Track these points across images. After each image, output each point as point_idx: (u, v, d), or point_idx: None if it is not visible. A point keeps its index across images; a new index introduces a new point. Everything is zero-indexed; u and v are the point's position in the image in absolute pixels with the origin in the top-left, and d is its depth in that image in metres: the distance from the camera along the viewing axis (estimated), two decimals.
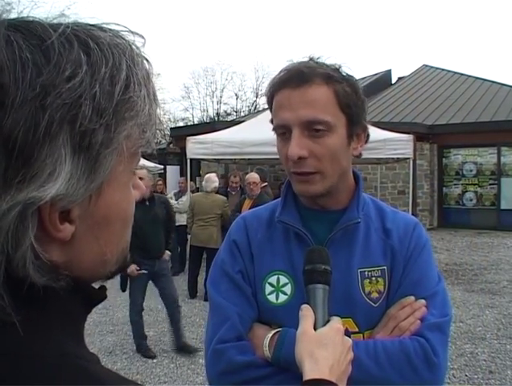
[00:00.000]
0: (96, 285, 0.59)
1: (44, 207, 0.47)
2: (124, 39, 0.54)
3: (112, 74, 0.50)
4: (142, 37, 0.56)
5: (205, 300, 6.32)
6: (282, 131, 1.09)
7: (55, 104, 0.45)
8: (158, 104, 0.57)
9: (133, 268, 4.75)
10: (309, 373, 0.85)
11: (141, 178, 4.63)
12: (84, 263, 0.54)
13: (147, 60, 0.56)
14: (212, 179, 7.21)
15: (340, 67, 1.10)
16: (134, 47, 0.54)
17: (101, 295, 0.58)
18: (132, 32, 0.55)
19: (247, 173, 8.28)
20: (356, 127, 1.11)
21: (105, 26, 0.53)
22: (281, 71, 1.10)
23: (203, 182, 7.52)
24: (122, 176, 0.54)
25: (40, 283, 0.48)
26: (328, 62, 1.10)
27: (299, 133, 1.05)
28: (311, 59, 1.11)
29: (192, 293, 7.10)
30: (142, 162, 14.37)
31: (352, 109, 1.08)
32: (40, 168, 0.45)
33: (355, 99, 1.08)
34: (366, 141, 1.16)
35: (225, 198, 7.40)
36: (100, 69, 0.49)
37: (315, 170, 1.07)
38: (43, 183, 0.46)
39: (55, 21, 0.51)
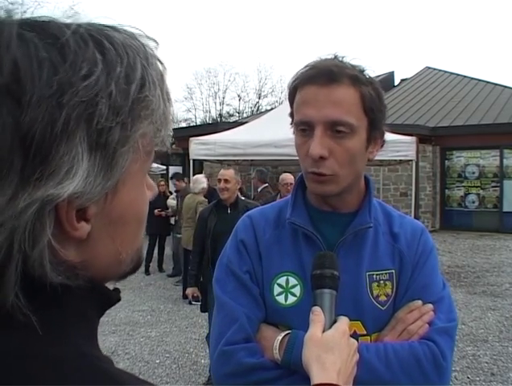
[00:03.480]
0: (110, 287, 0.58)
1: (62, 205, 0.47)
2: (138, 40, 0.54)
3: (127, 73, 0.50)
4: (156, 41, 0.57)
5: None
6: (304, 127, 1.07)
7: (72, 102, 0.45)
8: (172, 105, 0.58)
9: (190, 292, 4.55)
10: (317, 378, 0.84)
11: (226, 180, 4.15)
12: (99, 262, 0.53)
13: (161, 62, 0.56)
14: (199, 180, 7.03)
15: (364, 69, 1.08)
16: (147, 48, 0.55)
17: (115, 296, 0.59)
18: (146, 36, 0.56)
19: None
20: (375, 131, 1.10)
21: (118, 27, 0.54)
22: (307, 66, 1.08)
23: (191, 184, 7.33)
24: (137, 175, 0.55)
25: (56, 282, 0.48)
26: (352, 63, 1.08)
27: (321, 132, 1.04)
28: (335, 57, 1.09)
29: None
30: None
31: (374, 113, 1.07)
32: (58, 165, 0.45)
33: (378, 103, 1.07)
34: (382, 146, 1.15)
35: (202, 198, 6.99)
36: (115, 68, 0.49)
37: (332, 173, 1.06)
38: (60, 181, 0.45)
39: (68, 20, 0.51)
